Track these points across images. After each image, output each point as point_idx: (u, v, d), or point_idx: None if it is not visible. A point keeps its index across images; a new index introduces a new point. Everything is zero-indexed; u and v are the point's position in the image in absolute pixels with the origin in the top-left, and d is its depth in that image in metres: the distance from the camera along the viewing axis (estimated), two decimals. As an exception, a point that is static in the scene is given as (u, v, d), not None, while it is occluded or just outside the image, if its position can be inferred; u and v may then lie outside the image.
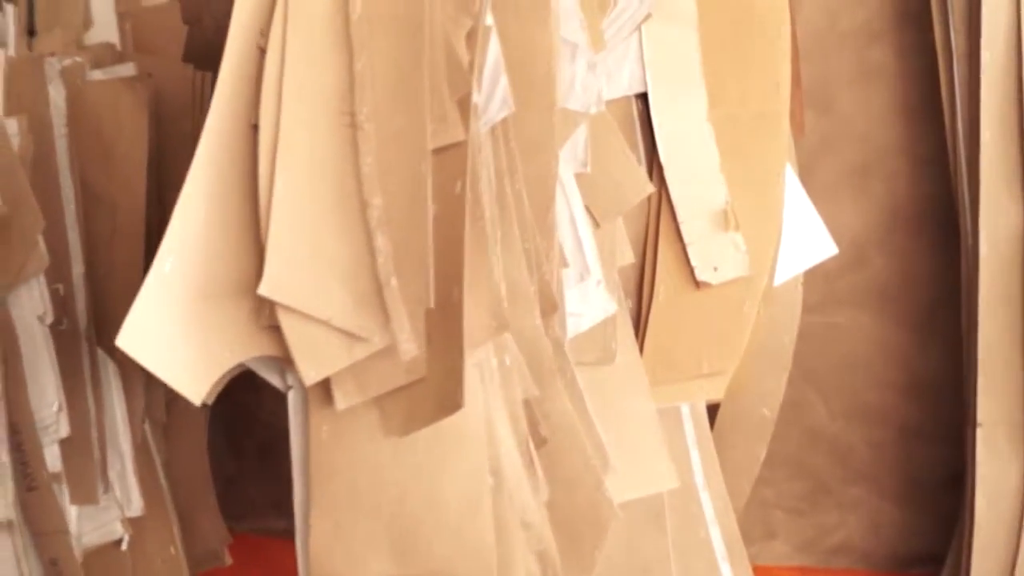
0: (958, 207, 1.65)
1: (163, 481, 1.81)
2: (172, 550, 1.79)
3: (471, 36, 1.06)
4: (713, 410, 1.65)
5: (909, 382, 1.86)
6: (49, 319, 1.64)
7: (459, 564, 1.06)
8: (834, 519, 1.91)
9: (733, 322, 1.51)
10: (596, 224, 1.44)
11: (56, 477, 1.64)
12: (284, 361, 1.03)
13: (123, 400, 1.76)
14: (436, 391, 1.01)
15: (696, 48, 1.51)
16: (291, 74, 1.01)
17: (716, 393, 1.54)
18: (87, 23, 1.93)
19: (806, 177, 1.73)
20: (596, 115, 1.41)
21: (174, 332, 1.01)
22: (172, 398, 1.79)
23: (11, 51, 1.81)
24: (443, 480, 1.06)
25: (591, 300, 1.40)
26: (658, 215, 1.52)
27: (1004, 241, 1.52)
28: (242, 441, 2.12)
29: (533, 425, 1.21)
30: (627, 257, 1.50)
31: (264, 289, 0.98)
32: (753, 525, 1.86)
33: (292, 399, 1.09)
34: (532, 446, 1.20)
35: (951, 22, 1.60)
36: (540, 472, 1.20)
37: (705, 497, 1.56)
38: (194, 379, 1.02)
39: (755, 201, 1.50)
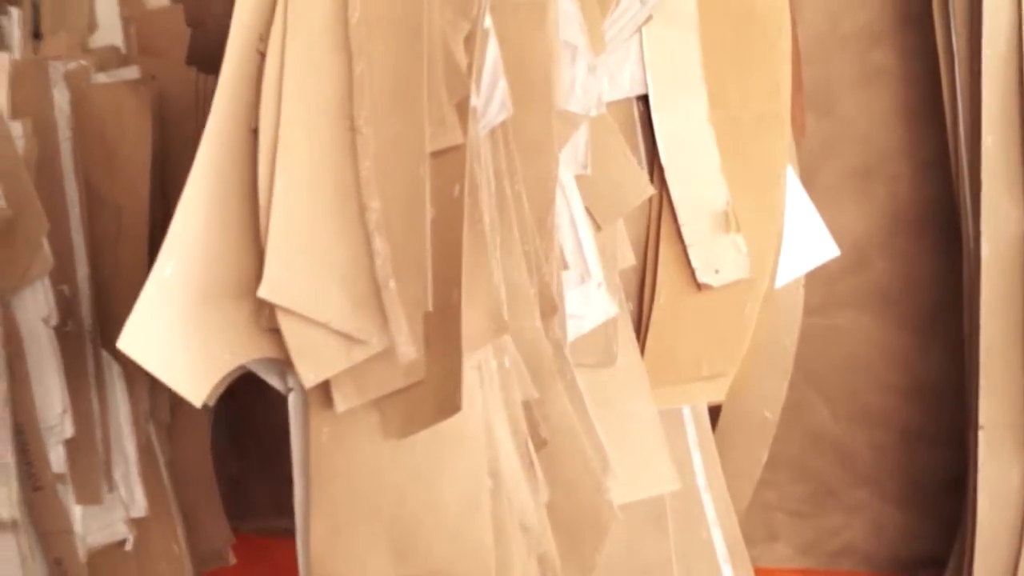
0: (960, 210, 1.65)
1: (167, 481, 1.82)
2: (176, 550, 1.80)
3: (469, 39, 1.07)
4: (715, 412, 1.65)
5: (911, 385, 1.85)
6: (54, 321, 1.65)
7: (458, 565, 1.06)
8: (836, 522, 1.91)
9: (734, 324, 1.51)
10: (597, 226, 1.44)
11: (61, 477, 1.65)
12: (284, 363, 1.04)
13: (127, 401, 1.77)
14: (435, 394, 1.01)
15: (697, 50, 1.51)
16: (290, 78, 1.02)
17: (717, 395, 1.54)
18: (92, 26, 1.94)
19: (808, 180, 1.73)
20: (596, 117, 1.41)
21: (175, 334, 1.02)
22: (177, 399, 1.79)
23: (16, 54, 1.82)
24: (442, 482, 1.06)
25: (592, 302, 1.40)
26: (659, 217, 1.52)
27: (1005, 244, 1.52)
28: (246, 441, 2.13)
29: (533, 427, 1.21)
30: (628, 259, 1.50)
31: (263, 292, 0.98)
32: (755, 527, 1.86)
33: (292, 401, 1.10)
34: (532, 448, 1.20)
35: (952, 24, 1.60)
36: (540, 474, 1.20)
37: (707, 499, 1.56)
38: (195, 381, 1.03)
39: (756, 203, 1.50)
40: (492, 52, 1.14)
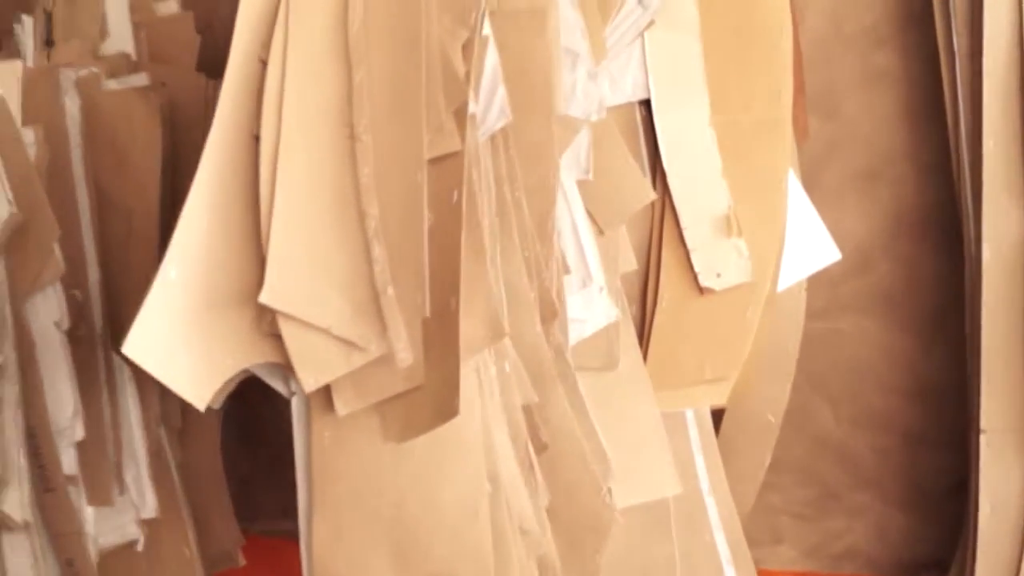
0: (961, 212, 1.65)
1: (177, 483, 1.83)
2: (186, 551, 1.81)
3: (467, 47, 1.08)
4: (718, 415, 1.65)
5: (914, 388, 1.85)
6: (66, 325, 1.67)
7: (458, 568, 1.07)
8: (840, 525, 1.91)
9: (736, 328, 1.51)
10: (599, 231, 1.45)
11: (72, 479, 1.67)
12: (286, 368, 1.05)
13: (138, 404, 1.78)
14: (433, 399, 1.02)
15: (698, 54, 1.52)
16: (291, 86, 1.03)
17: (719, 398, 1.55)
18: (103, 33, 1.96)
19: (811, 182, 1.73)
20: (598, 122, 1.42)
21: (179, 339, 1.03)
22: (187, 402, 1.81)
23: (29, 62, 1.85)
24: (442, 485, 1.07)
25: (594, 306, 1.41)
26: (661, 221, 1.53)
27: (1007, 247, 1.52)
28: (256, 444, 2.14)
29: (533, 431, 1.22)
30: (630, 263, 1.51)
31: (265, 298, 1.00)
32: (759, 530, 1.86)
33: (295, 405, 1.11)
34: (532, 452, 1.21)
35: (953, 24, 1.59)
36: (540, 477, 1.21)
37: (710, 502, 1.56)
38: (198, 385, 1.05)
39: (758, 207, 1.50)
40: (491, 59, 1.16)
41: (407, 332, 1.01)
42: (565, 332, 1.34)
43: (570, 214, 1.40)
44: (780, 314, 1.58)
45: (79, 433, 1.66)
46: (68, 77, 1.75)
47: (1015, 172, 1.51)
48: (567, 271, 1.37)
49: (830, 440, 1.90)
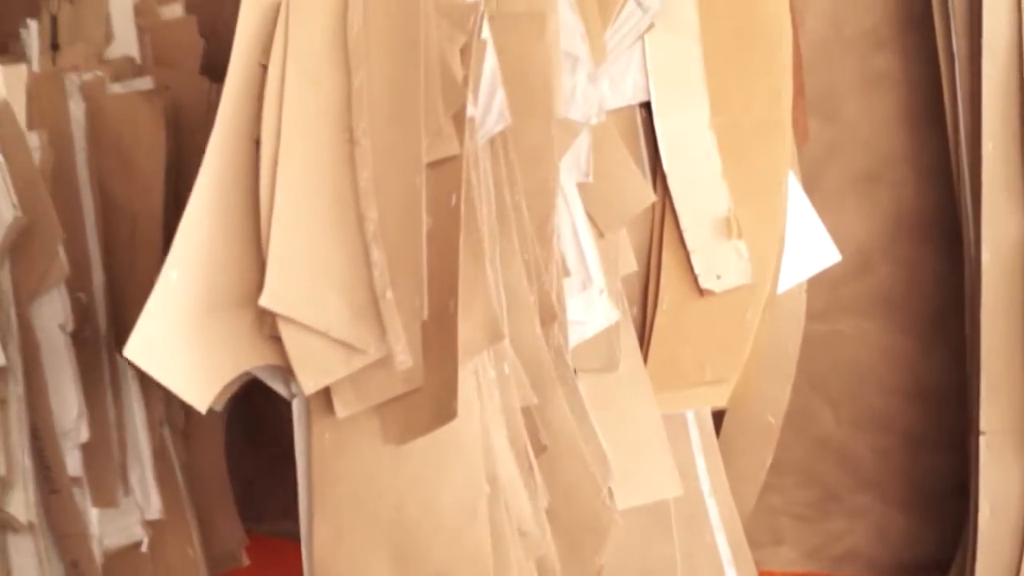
0: (961, 215, 1.65)
1: (182, 484, 1.84)
2: (190, 551, 1.82)
3: (465, 51, 1.08)
4: (719, 417, 1.65)
5: (915, 389, 1.85)
6: (70, 327, 1.68)
7: (457, 569, 1.08)
8: (841, 526, 1.91)
9: (736, 330, 1.51)
10: (599, 233, 1.45)
11: (77, 481, 1.68)
12: (287, 370, 1.06)
13: (142, 405, 1.79)
14: (432, 401, 1.03)
15: (698, 57, 1.52)
16: (291, 90, 1.04)
17: (720, 400, 1.55)
18: (108, 37, 1.98)
19: (811, 184, 1.73)
20: (598, 125, 1.43)
21: (180, 342, 1.04)
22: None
23: (35, 66, 1.86)
24: (441, 487, 1.08)
25: (594, 309, 1.42)
26: (662, 223, 1.54)
27: (1006, 249, 1.52)
28: (260, 444, 2.15)
29: (533, 433, 1.23)
30: (630, 265, 1.51)
31: (265, 300, 1.00)
32: (761, 531, 1.86)
33: (296, 407, 1.12)
34: (532, 453, 1.21)
35: (953, 27, 1.59)
36: (540, 479, 1.22)
37: (711, 503, 1.56)
38: (199, 387, 1.05)
39: (758, 209, 1.51)
40: (490, 62, 1.16)
41: (406, 335, 1.01)
42: (565, 334, 1.35)
43: (570, 217, 1.40)
44: (780, 316, 1.58)
45: (83, 435, 1.67)
46: (73, 81, 1.77)
47: (1014, 175, 1.51)
48: (567, 273, 1.38)
49: (831, 441, 1.90)
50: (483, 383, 1.11)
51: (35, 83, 1.75)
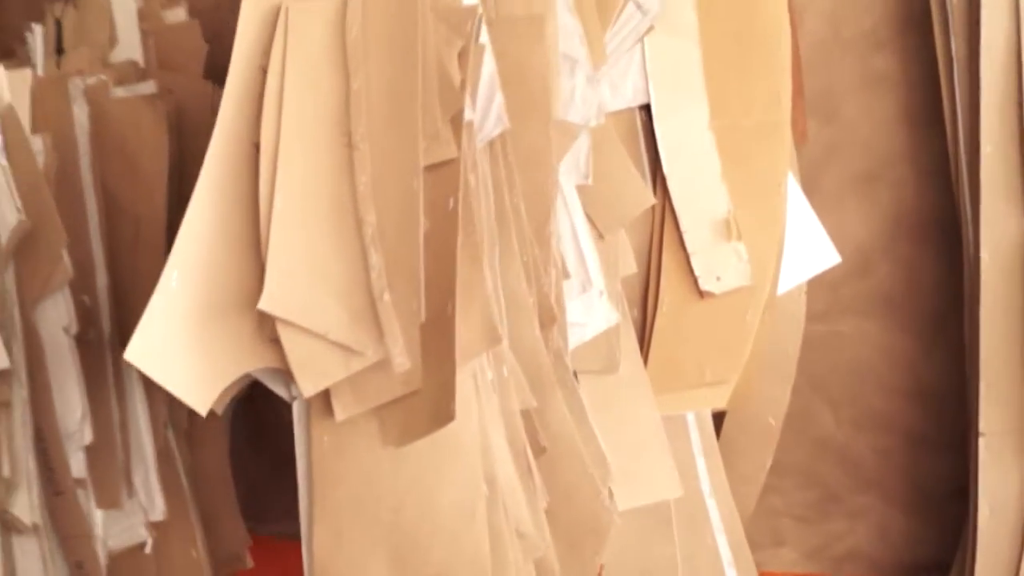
0: (960, 216, 1.65)
1: (186, 486, 1.85)
2: (194, 553, 1.83)
3: (463, 55, 1.09)
4: (719, 418, 1.66)
5: (915, 390, 1.85)
6: (74, 330, 1.69)
7: (455, 570, 1.08)
8: (841, 527, 1.91)
9: (736, 331, 1.52)
10: (599, 235, 1.46)
11: (81, 482, 1.69)
12: (287, 373, 1.07)
13: (146, 407, 1.80)
14: (430, 404, 1.03)
15: (698, 59, 1.52)
16: (290, 95, 1.05)
17: (720, 402, 1.55)
18: (112, 41, 1.99)
19: (811, 185, 1.73)
20: (597, 127, 1.43)
21: (181, 345, 1.05)
22: (193, 406, 1.83)
23: (40, 70, 1.87)
24: (439, 489, 1.08)
25: (594, 310, 1.42)
26: (662, 225, 1.54)
27: (1005, 250, 1.51)
28: (264, 446, 2.16)
29: (532, 435, 1.23)
30: (630, 267, 1.52)
31: (264, 304, 1.01)
32: (762, 532, 1.86)
33: (296, 409, 1.12)
34: (531, 455, 1.22)
35: (951, 28, 1.59)
36: (539, 480, 1.22)
37: (711, 504, 1.57)
38: (200, 389, 1.06)
39: (757, 211, 1.51)
40: (488, 67, 1.17)
41: (404, 337, 1.02)
42: (565, 337, 1.35)
43: (570, 219, 1.41)
44: (780, 317, 1.59)
45: (88, 437, 1.68)
46: (77, 85, 1.78)
47: (1013, 176, 1.51)
48: (567, 276, 1.38)
49: (831, 442, 1.90)
50: (481, 385, 1.12)
51: (39, 87, 1.76)
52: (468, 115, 1.10)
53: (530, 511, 1.17)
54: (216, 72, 1.94)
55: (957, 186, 1.64)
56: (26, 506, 1.53)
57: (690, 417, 1.57)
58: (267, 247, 1.02)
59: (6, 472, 1.50)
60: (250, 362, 1.07)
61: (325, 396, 1.06)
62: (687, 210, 1.51)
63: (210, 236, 1.06)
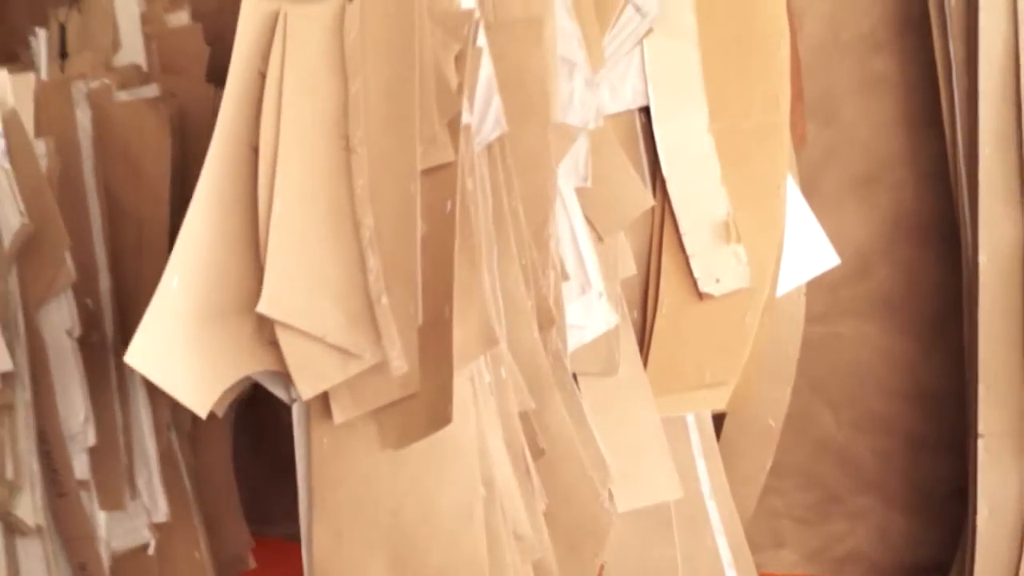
0: (959, 218, 1.65)
1: (189, 487, 1.86)
2: (197, 554, 1.84)
3: (460, 59, 1.09)
4: (719, 420, 1.66)
5: (915, 391, 1.85)
6: (77, 333, 1.70)
7: (454, 572, 1.09)
8: (842, 528, 1.91)
9: (735, 333, 1.52)
10: (598, 238, 1.46)
11: (84, 484, 1.69)
12: (286, 376, 1.07)
13: (149, 409, 1.81)
14: (427, 406, 1.04)
15: (697, 62, 1.53)
16: (289, 98, 1.05)
17: (719, 403, 1.56)
18: (116, 45, 2.00)
19: (810, 187, 1.73)
20: (596, 130, 1.43)
21: (181, 347, 1.05)
22: (196, 408, 1.84)
23: (44, 74, 1.89)
24: (437, 491, 1.09)
25: (593, 313, 1.42)
26: (661, 227, 1.54)
27: (1003, 252, 1.52)
28: (266, 448, 2.16)
29: (531, 437, 1.24)
30: (629, 269, 1.52)
31: (263, 307, 1.02)
32: (762, 534, 1.86)
33: (296, 412, 1.13)
34: (529, 457, 1.22)
35: (949, 31, 1.59)
36: (538, 482, 1.23)
37: (711, 506, 1.57)
38: (200, 392, 1.07)
39: (756, 213, 1.51)
40: (486, 70, 1.17)
41: (401, 340, 1.02)
42: (564, 339, 1.35)
43: (569, 221, 1.41)
44: (780, 319, 1.59)
45: (91, 438, 1.69)
46: (80, 89, 1.79)
47: (1011, 178, 1.51)
48: (566, 278, 1.39)
49: (831, 444, 1.90)
50: (479, 388, 1.12)
51: (43, 91, 1.77)
52: (466, 118, 1.10)
53: (528, 513, 1.17)
54: (219, 76, 1.93)
55: (956, 188, 1.64)
56: (29, 508, 1.53)
57: (690, 419, 1.57)
58: (266, 250, 1.03)
59: (10, 474, 1.50)
60: (250, 365, 1.07)
61: (324, 399, 1.07)
62: (686, 212, 1.52)
63: (210, 239, 1.06)
